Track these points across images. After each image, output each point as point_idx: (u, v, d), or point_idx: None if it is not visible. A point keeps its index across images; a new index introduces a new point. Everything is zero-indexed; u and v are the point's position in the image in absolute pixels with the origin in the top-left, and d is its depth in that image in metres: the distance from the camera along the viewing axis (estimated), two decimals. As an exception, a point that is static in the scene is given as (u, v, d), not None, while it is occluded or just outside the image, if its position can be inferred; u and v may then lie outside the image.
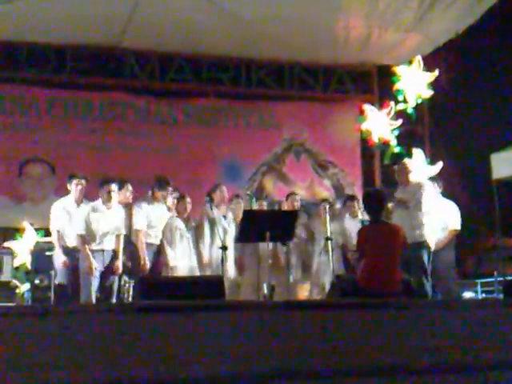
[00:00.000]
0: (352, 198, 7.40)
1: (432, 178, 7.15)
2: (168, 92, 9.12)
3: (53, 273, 6.39)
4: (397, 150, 8.77)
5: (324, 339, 3.31)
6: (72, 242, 6.20)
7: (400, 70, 8.71)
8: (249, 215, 5.93)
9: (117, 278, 6.13)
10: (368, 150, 9.40)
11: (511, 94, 8.59)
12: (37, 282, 6.69)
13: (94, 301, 5.82)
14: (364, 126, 8.95)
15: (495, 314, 3.80)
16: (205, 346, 3.11)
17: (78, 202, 6.34)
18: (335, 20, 8.03)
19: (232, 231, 6.70)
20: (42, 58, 8.51)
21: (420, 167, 7.77)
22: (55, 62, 8.60)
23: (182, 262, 6.39)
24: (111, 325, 3.10)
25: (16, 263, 7.15)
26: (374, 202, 5.03)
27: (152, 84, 9.04)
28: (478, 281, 8.41)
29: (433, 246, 6.21)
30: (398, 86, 8.74)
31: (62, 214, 6.33)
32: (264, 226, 5.49)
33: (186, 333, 3.13)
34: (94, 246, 6.03)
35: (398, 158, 7.98)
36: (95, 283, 5.93)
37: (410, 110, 8.73)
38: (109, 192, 6.07)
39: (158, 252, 6.44)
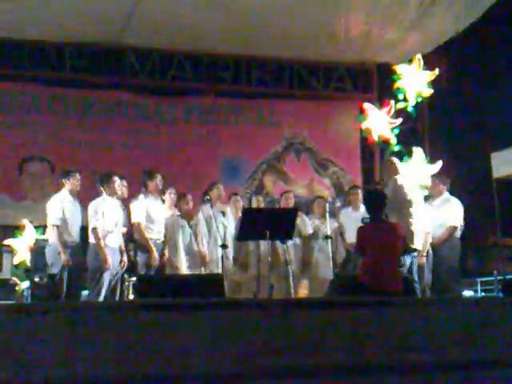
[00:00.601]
0: (356, 187, 7.74)
1: (436, 176, 7.11)
2: (168, 90, 9.12)
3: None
4: (397, 148, 8.75)
5: (324, 338, 3.32)
6: (74, 236, 6.15)
7: (400, 68, 8.68)
8: (248, 214, 5.92)
9: (119, 276, 6.12)
10: (368, 149, 9.40)
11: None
12: (36, 279, 6.69)
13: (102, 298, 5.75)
14: (364, 125, 8.93)
15: (494, 312, 3.81)
16: (205, 343, 3.11)
17: (75, 196, 6.27)
18: (336, 18, 8.04)
19: (232, 229, 6.69)
20: (41, 56, 8.51)
21: (420, 166, 7.76)
22: (55, 59, 8.60)
23: (184, 259, 6.38)
24: (111, 323, 3.11)
25: (15, 261, 7.15)
26: (375, 201, 5.07)
27: (152, 82, 9.03)
28: (478, 279, 8.40)
29: (427, 246, 6.28)
30: (398, 84, 8.70)
31: (66, 207, 6.16)
32: (264, 225, 5.47)
33: (185, 331, 3.14)
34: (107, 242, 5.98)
35: (398, 157, 7.96)
36: (107, 280, 5.87)
37: (410, 109, 8.70)
38: (117, 186, 6.11)
39: (162, 249, 6.42)
